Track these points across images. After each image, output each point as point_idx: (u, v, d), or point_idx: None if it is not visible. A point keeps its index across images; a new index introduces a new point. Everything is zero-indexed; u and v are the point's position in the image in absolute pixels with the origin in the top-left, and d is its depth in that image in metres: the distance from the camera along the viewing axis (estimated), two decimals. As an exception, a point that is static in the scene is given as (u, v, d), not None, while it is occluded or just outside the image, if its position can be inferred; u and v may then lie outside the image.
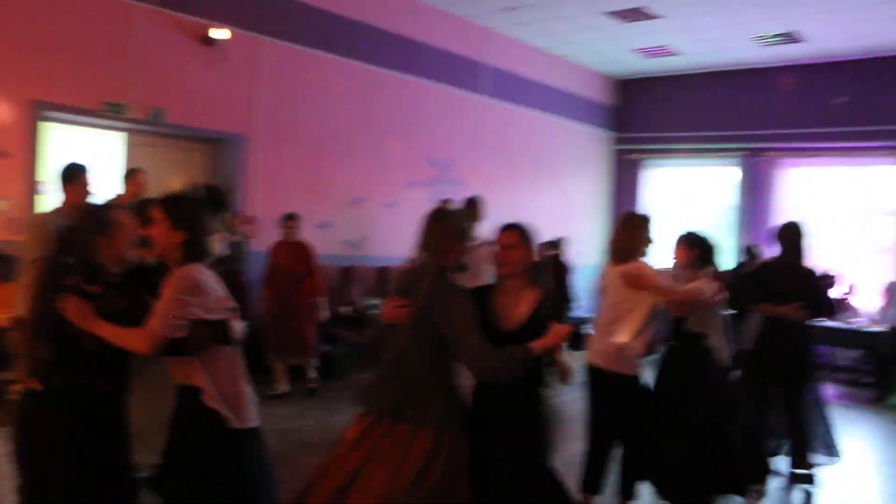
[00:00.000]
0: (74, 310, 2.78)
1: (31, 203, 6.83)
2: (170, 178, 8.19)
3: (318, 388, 7.52)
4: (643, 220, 4.78)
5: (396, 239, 9.85)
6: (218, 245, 7.18)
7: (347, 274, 9.30)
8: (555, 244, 9.71)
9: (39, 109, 6.85)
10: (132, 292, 2.99)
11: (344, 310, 8.87)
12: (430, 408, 3.05)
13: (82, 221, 3.04)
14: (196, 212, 2.99)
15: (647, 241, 4.69)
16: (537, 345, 3.05)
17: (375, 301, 9.12)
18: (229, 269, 7.58)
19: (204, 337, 2.84)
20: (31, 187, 6.87)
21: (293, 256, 7.36)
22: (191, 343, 2.83)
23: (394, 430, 3.03)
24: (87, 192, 5.24)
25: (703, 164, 12.83)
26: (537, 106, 11.84)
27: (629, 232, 4.72)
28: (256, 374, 7.10)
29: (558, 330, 3.11)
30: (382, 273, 9.66)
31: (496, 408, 3.27)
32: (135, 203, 6.45)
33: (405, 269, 3.39)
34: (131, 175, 6.57)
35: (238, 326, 2.98)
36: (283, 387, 7.33)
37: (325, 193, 9.12)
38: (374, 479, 2.95)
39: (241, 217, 7.89)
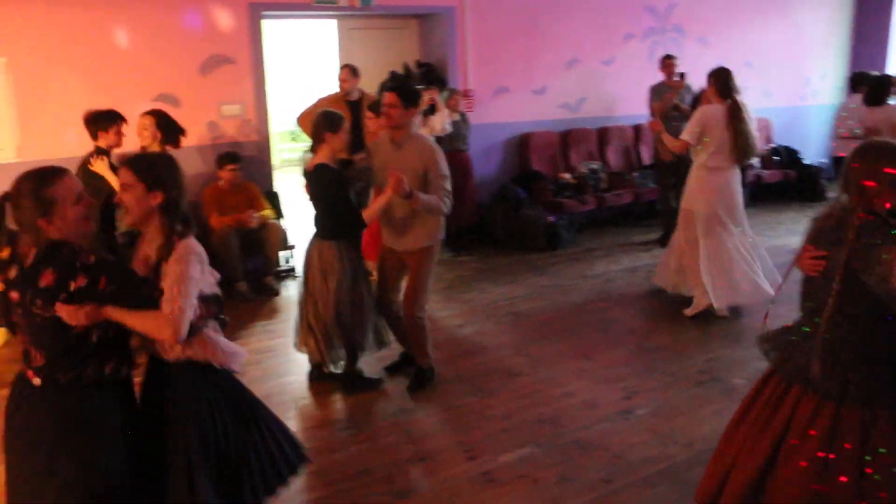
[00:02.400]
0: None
1: (260, 105, 7.20)
2: (383, 60, 8.34)
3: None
4: None
5: (616, 97, 9.47)
6: (440, 124, 7.27)
7: (566, 139, 9.10)
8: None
9: (257, 11, 7.10)
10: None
11: (564, 176, 8.71)
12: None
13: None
14: (173, 168, 2.62)
15: None
16: None
17: (595, 165, 8.88)
18: (453, 148, 7.66)
19: (202, 314, 2.59)
20: (260, 90, 7.23)
21: None
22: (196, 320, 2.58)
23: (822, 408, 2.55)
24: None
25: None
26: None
27: None
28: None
29: None
30: (602, 134, 9.37)
31: None
32: (350, 100, 6.68)
33: (825, 213, 2.67)
34: (340, 72, 6.71)
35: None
36: None
37: (538, 58, 8.82)
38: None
39: (459, 93, 7.88)
